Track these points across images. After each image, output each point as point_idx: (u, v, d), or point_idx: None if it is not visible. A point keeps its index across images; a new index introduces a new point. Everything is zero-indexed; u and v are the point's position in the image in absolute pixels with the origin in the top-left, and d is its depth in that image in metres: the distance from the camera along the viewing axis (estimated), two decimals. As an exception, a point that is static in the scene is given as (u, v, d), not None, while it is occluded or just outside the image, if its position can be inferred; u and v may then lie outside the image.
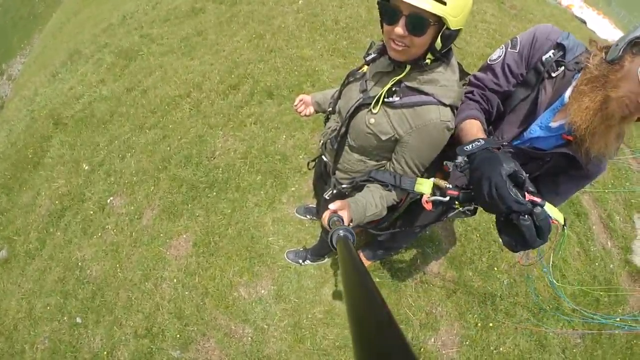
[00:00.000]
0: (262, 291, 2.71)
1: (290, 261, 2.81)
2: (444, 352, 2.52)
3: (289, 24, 5.16)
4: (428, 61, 1.14)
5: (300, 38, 4.91)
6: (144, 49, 5.28)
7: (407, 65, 1.17)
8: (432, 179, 1.22)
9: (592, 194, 3.56)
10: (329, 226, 1.10)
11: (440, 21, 1.02)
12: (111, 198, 3.40)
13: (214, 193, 3.23)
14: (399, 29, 1.03)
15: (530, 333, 2.61)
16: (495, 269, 2.87)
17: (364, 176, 1.42)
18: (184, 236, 3.02)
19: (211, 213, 3.11)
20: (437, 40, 1.06)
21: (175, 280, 2.79)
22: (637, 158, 4.11)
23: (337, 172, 1.56)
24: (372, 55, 1.29)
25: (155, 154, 3.63)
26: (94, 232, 3.21)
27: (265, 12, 5.54)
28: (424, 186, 1.23)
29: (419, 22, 1.01)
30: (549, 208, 0.95)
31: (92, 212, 3.32)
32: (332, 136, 1.50)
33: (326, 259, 2.80)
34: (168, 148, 3.65)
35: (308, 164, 2.10)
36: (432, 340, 2.55)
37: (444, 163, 1.40)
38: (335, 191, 1.59)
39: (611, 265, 3.09)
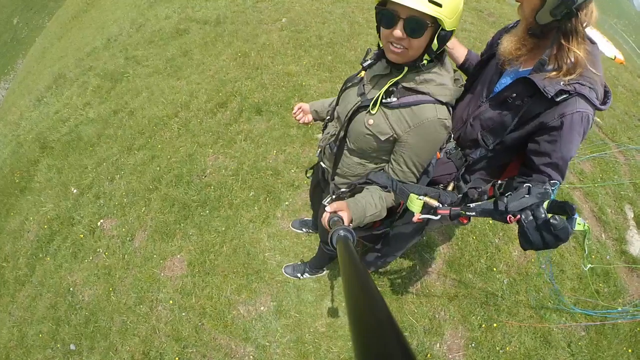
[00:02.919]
0: (262, 308, 2.65)
1: (288, 276, 2.77)
2: (450, 356, 2.48)
3: (274, 42, 5.23)
4: (425, 62, 1.17)
5: (286, 55, 4.98)
6: (130, 71, 5.28)
7: (405, 67, 1.20)
8: (423, 198, 1.22)
9: (582, 189, 3.63)
10: (329, 226, 1.09)
11: (436, 23, 1.05)
12: (101, 221, 3.33)
13: (207, 211, 3.19)
14: (398, 32, 1.06)
15: (534, 330, 2.60)
16: (495, 269, 2.87)
17: (362, 179, 1.42)
18: (178, 256, 2.96)
19: (205, 231, 3.06)
20: (433, 41, 1.09)
21: (171, 302, 2.72)
22: (623, 151, 4.22)
23: (336, 177, 1.57)
24: (370, 61, 1.32)
25: (145, 175, 3.58)
26: (85, 256, 3.12)
27: (249, 30, 5.62)
28: (415, 205, 1.23)
29: (416, 24, 1.04)
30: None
31: (82, 236, 3.24)
32: (331, 141, 1.51)
33: (325, 271, 2.77)
34: (158, 168, 3.61)
35: (306, 171, 2.12)
36: (438, 345, 2.52)
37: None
38: (334, 196, 1.58)
39: (607, 257, 3.12)
